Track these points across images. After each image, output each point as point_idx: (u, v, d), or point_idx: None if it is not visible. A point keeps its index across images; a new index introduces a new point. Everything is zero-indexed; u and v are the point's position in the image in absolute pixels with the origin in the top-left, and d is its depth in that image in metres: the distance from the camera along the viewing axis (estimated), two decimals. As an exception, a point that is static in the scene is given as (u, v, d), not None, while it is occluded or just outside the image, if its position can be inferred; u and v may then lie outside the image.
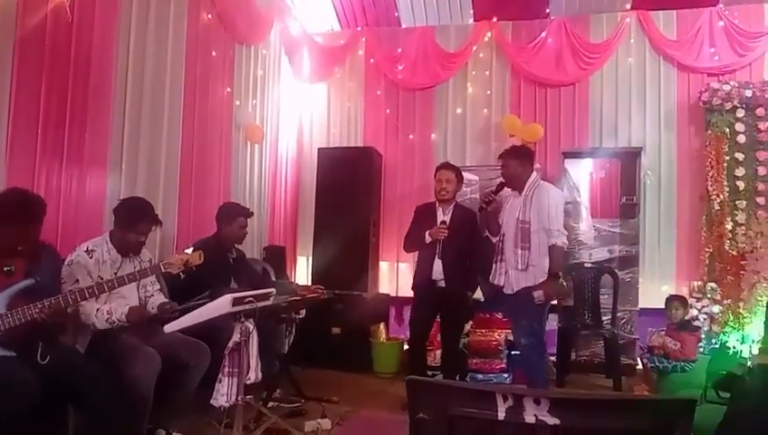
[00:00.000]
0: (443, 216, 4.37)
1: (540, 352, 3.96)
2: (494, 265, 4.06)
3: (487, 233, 4.21)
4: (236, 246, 4.29)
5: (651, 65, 6.02)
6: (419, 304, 4.46)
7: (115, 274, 3.19)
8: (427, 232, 4.29)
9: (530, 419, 1.13)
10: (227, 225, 4.17)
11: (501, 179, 4.13)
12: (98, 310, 3.05)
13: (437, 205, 4.45)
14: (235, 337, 3.13)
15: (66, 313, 2.69)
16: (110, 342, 3.07)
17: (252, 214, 4.37)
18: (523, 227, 3.87)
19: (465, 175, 5.62)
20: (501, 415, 1.14)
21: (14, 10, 3.25)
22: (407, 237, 4.59)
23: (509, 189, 4.09)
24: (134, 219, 3.29)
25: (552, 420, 1.11)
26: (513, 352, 4.95)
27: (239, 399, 3.11)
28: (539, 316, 3.90)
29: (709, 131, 5.64)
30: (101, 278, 3.13)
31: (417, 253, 4.54)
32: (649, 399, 1.34)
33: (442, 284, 4.30)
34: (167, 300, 3.43)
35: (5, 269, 2.61)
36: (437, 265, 4.28)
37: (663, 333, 4.58)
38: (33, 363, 2.53)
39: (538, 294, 3.78)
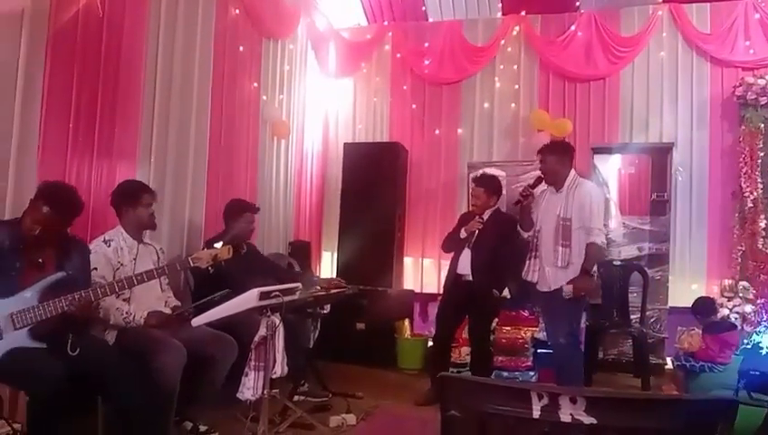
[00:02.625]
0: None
1: (578, 352, 3.91)
2: (527, 262, 4.00)
3: (519, 228, 4.16)
4: (246, 241, 4.28)
5: (684, 59, 5.89)
6: (447, 300, 4.48)
7: (134, 259, 3.25)
8: (462, 228, 4.35)
9: (565, 418, 1.10)
10: (234, 221, 4.18)
11: (537, 173, 4.08)
12: (117, 308, 3.08)
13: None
14: (262, 331, 3.14)
15: (95, 306, 2.73)
16: (138, 334, 3.10)
17: (258, 209, 4.37)
18: (564, 224, 3.79)
19: (492, 171, 5.60)
20: (536, 413, 1.11)
21: (47, 6, 3.29)
22: (446, 238, 4.63)
23: (545, 184, 4.03)
24: (134, 195, 3.33)
25: (589, 420, 1.08)
26: (539, 350, 4.89)
27: (265, 392, 3.12)
28: (578, 316, 3.85)
29: (743, 127, 5.51)
30: (121, 264, 3.19)
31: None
32: (690, 399, 1.30)
33: (469, 278, 4.30)
34: (177, 302, 3.48)
35: (38, 261, 2.65)
36: (465, 257, 4.31)
37: (692, 332, 4.50)
38: (63, 355, 2.56)
39: (567, 289, 3.72)
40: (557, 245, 3.80)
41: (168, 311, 3.32)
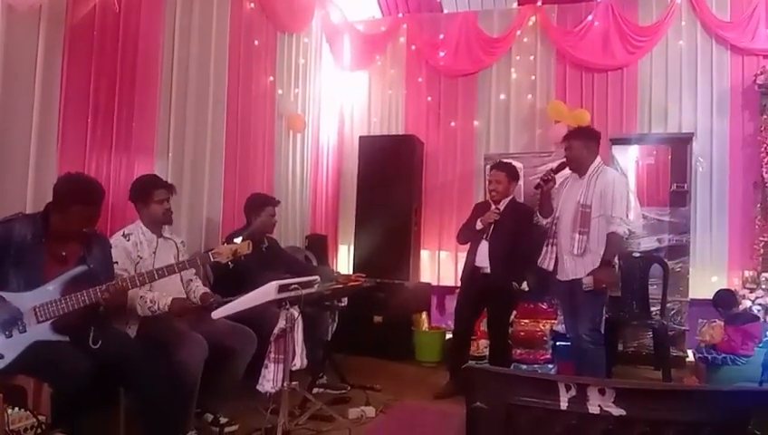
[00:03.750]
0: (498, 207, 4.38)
1: (601, 346, 3.79)
2: (544, 249, 3.95)
3: (537, 215, 4.09)
4: (267, 235, 4.30)
5: (703, 48, 5.80)
6: (465, 293, 4.46)
7: (153, 253, 3.28)
8: (478, 219, 4.30)
9: (594, 409, 1.08)
10: (257, 215, 4.20)
11: (561, 160, 3.99)
12: (141, 297, 3.11)
13: (492, 202, 4.45)
14: (281, 324, 3.15)
15: (125, 294, 2.74)
16: (159, 327, 3.13)
17: (278, 203, 4.39)
18: (583, 211, 3.71)
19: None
20: (563, 405, 1.10)
21: (64, 1, 3.31)
22: (461, 229, 4.59)
23: (568, 171, 3.95)
24: (147, 191, 3.35)
25: (618, 411, 1.07)
26: (558, 343, 4.86)
27: (285, 385, 3.13)
28: (600, 308, 3.76)
29: (764, 116, 5.42)
30: (140, 258, 3.23)
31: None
32: (723, 390, 1.28)
33: (487, 271, 4.27)
34: (207, 290, 3.49)
35: (60, 255, 2.67)
36: (483, 248, 4.27)
37: (713, 324, 4.45)
38: (86, 348, 2.59)
39: (587, 280, 3.66)
40: (574, 232, 3.73)
41: (195, 301, 3.36)
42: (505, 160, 4.73)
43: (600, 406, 1.09)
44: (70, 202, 2.63)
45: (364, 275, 4.58)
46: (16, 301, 2.51)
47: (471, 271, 4.36)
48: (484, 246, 4.29)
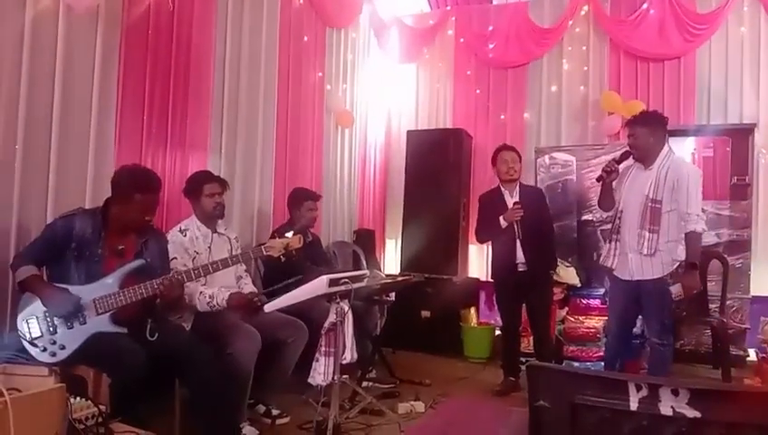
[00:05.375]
0: (512, 197, 4.27)
1: (670, 346, 3.58)
2: (606, 245, 3.73)
3: (598, 207, 3.90)
4: (311, 230, 4.31)
5: (766, 34, 5.54)
6: (505, 291, 4.37)
7: (209, 248, 3.36)
8: (501, 217, 4.16)
9: (666, 410, 1.03)
10: (297, 210, 4.22)
11: (625, 148, 3.72)
12: (200, 293, 3.17)
13: (502, 188, 4.34)
14: (331, 317, 3.16)
15: (181, 287, 2.80)
16: (214, 320, 3.18)
17: (320, 197, 4.38)
18: (653, 206, 3.42)
19: (561, 155, 5.48)
20: (633, 405, 1.05)
21: (120, 2, 3.39)
22: (478, 228, 4.47)
23: (631, 160, 3.68)
24: (198, 185, 3.41)
25: (692, 413, 1.01)
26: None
27: (335, 378, 3.14)
28: (668, 309, 3.54)
29: (832, 105, 5.16)
30: (197, 253, 3.30)
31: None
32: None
33: (523, 268, 4.18)
34: (254, 289, 3.55)
35: (119, 249, 2.74)
36: (519, 248, 4.17)
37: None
38: (143, 340, 2.65)
39: (677, 289, 3.42)
40: (643, 229, 3.45)
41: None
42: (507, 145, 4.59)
43: (672, 407, 1.03)
44: (130, 191, 2.70)
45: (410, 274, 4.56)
46: (77, 293, 2.58)
47: (507, 268, 4.23)
48: (516, 243, 4.16)
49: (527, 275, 4.19)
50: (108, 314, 2.60)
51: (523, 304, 4.42)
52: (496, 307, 4.66)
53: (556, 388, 1.14)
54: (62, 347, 2.53)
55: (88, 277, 2.64)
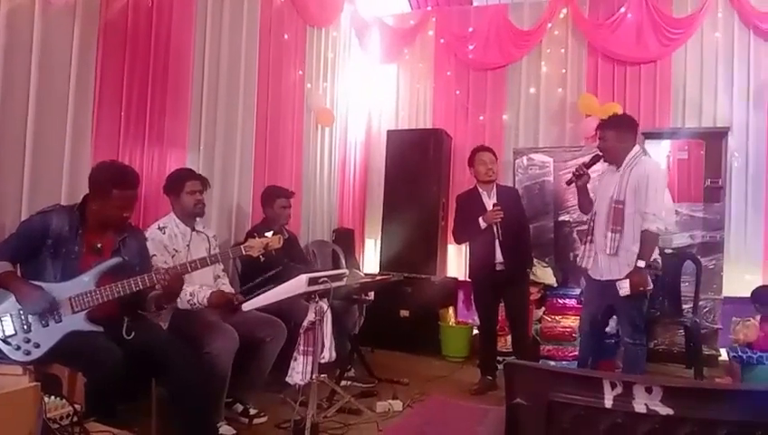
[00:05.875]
0: (489, 198, 4.31)
1: (643, 346, 3.63)
2: (582, 247, 3.79)
3: (578, 208, 4.00)
4: (286, 228, 4.30)
5: (740, 40, 5.63)
6: (482, 290, 4.40)
7: (187, 246, 3.34)
8: (480, 218, 4.18)
9: (640, 408, 1.05)
10: (270, 208, 4.22)
11: (597, 152, 3.79)
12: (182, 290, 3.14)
13: (479, 189, 4.37)
14: (310, 316, 3.16)
15: (182, 280, 2.78)
16: (191, 319, 3.17)
17: (292, 194, 4.35)
18: (616, 207, 3.49)
19: (539, 157, 5.53)
20: (608, 403, 1.07)
21: (98, -4, 3.35)
22: (456, 229, 4.49)
23: (605, 164, 3.75)
24: (179, 182, 3.40)
25: (665, 410, 1.04)
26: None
27: (314, 377, 3.15)
28: (639, 310, 3.57)
29: (803, 109, 5.29)
30: (176, 251, 3.28)
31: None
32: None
33: (501, 268, 4.22)
34: (232, 289, 3.54)
35: (96, 246, 2.71)
36: (498, 250, 4.20)
37: (747, 322, 4.35)
38: (119, 338, 2.62)
39: (624, 286, 3.45)
40: (607, 230, 3.53)
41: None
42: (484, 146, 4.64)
43: (646, 405, 1.05)
44: (108, 187, 2.66)
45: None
46: (53, 291, 2.54)
47: (486, 268, 4.27)
48: (495, 243, 4.20)
49: (504, 274, 4.23)
50: (84, 312, 2.57)
51: (501, 304, 4.47)
52: (474, 306, 4.69)
53: (533, 386, 1.15)
54: (37, 345, 2.49)
55: (64, 275, 2.61)
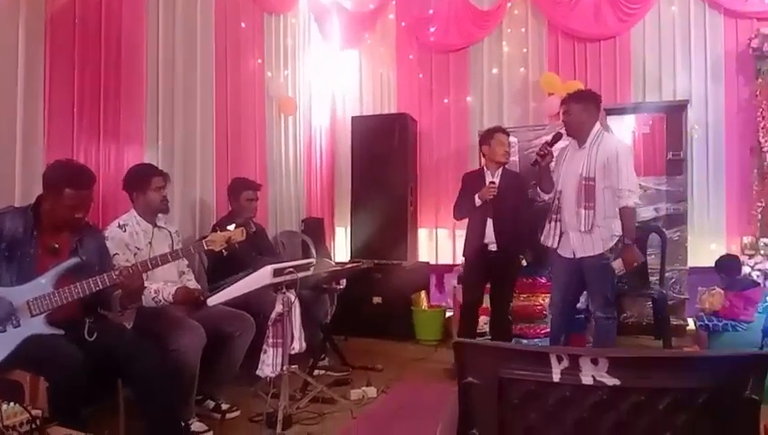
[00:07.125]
0: (492, 178, 4.30)
1: (614, 319, 3.70)
2: (547, 225, 3.81)
3: (539, 190, 3.97)
4: (253, 220, 4.26)
5: (696, 13, 5.72)
6: (471, 268, 4.41)
7: (149, 243, 3.27)
8: (476, 195, 4.20)
9: (587, 380, 1.06)
10: (236, 200, 4.18)
11: (558, 129, 3.84)
12: (145, 288, 3.08)
13: (486, 169, 4.36)
14: (278, 308, 3.14)
15: (140, 278, 2.71)
16: (156, 316, 3.11)
17: (259, 186, 4.30)
18: (587, 184, 3.52)
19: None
20: (556, 377, 1.07)
21: (42, -14, 3.24)
22: (456, 205, 4.49)
23: (566, 141, 3.79)
24: (144, 179, 3.32)
25: (612, 381, 1.04)
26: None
27: (284, 369, 3.13)
28: (610, 282, 3.63)
29: (760, 80, 5.38)
30: (138, 249, 3.21)
31: (466, 221, 4.46)
32: (719, 355, 1.25)
33: (493, 247, 4.23)
34: (198, 285, 3.49)
35: (53, 247, 2.64)
36: (489, 227, 4.21)
37: (713, 291, 4.43)
38: (81, 340, 2.57)
39: (618, 264, 3.50)
40: (579, 207, 3.55)
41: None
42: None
43: (593, 376, 1.06)
44: (62, 187, 2.59)
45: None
46: (9, 295, 2.48)
47: (478, 248, 4.27)
48: (490, 226, 4.21)
49: (496, 255, 4.23)
50: (43, 315, 2.51)
51: (487, 286, 4.46)
52: (461, 285, 4.68)
53: (482, 364, 1.15)
54: (-5, 352, 2.43)
55: (20, 278, 2.54)
